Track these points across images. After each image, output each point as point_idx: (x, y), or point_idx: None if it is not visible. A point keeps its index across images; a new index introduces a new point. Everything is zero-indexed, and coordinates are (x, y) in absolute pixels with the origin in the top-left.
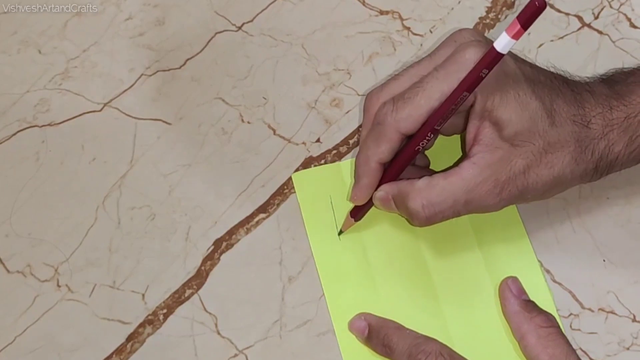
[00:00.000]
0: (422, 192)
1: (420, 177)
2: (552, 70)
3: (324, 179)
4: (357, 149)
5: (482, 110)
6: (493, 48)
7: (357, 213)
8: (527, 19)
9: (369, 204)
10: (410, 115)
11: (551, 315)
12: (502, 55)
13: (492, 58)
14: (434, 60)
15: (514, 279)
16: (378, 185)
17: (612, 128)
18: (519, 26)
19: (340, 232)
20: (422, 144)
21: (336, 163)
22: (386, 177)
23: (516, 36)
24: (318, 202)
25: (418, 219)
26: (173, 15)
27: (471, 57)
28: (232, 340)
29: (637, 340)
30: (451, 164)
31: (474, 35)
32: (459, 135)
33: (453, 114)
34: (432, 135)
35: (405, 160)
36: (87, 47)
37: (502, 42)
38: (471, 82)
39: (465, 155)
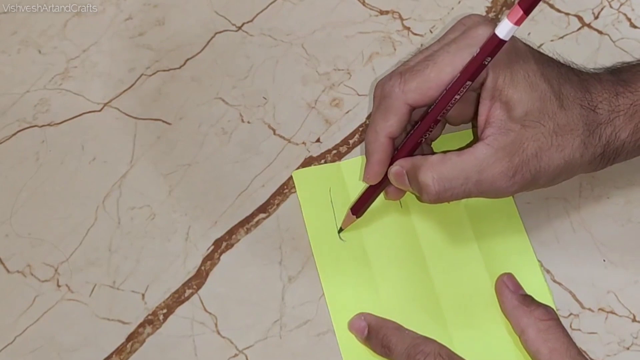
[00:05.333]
0: (435, 165)
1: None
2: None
3: (324, 178)
4: (358, 148)
5: (493, 89)
6: (495, 35)
7: (358, 209)
8: (529, 5)
9: (370, 197)
10: (419, 87)
11: (550, 307)
12: (505, 41)
13: (494, 45)
14: (442, 42)
15: (510, 275)
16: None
17: (618, 114)
18: (521, 12)
19: (340, 230)
20: (432, 127)
21: (336, 163)
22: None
23: (518, 22)
24: (318, 200)
25: (428, 193)
26: (173, 15)
27: (483, 32)
28: (232, 340)
29: (637, 340)
30: None
31: (482, 18)
32: (462, 135)
33: (464, 93)
34: (446, 111)
35: (417, 139)
36: (87, 47)
37: (505, 29)
38: (474, 70)
39: (477, 139)
